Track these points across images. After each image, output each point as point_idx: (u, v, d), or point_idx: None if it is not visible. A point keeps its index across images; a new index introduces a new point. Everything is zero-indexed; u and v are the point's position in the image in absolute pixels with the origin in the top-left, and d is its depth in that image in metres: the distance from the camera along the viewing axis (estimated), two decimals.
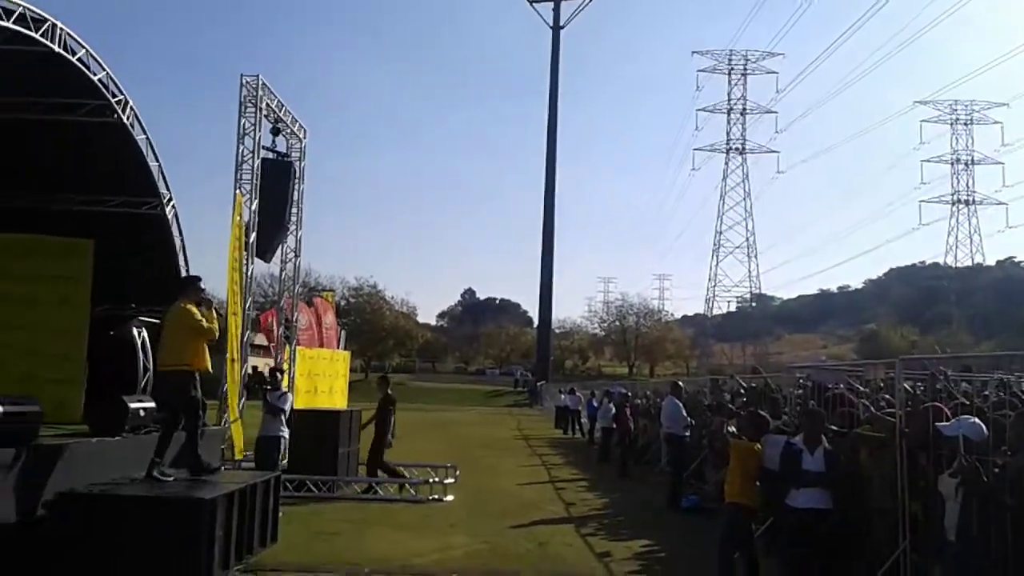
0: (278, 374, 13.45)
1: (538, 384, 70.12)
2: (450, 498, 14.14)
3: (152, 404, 11.23)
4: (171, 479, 9.09)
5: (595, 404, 28.47)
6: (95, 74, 12.24)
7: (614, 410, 22.07)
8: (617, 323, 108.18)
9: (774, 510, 8.33)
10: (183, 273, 15.32)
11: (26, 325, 12.80)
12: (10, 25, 10.24)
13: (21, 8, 10.33)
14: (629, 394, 24.38)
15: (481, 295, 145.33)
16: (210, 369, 9.28)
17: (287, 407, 12.08)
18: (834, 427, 8.36)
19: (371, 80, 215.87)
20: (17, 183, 14.19)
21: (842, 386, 10.46)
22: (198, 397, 9.24)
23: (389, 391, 15.31)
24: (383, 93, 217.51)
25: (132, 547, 7.79)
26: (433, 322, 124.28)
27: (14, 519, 7.82)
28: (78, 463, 8.96)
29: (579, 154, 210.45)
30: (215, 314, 9.49)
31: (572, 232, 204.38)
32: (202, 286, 9.51)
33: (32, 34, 10.64)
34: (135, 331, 12.41)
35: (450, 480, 15.32)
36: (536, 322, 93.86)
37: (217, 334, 9.44)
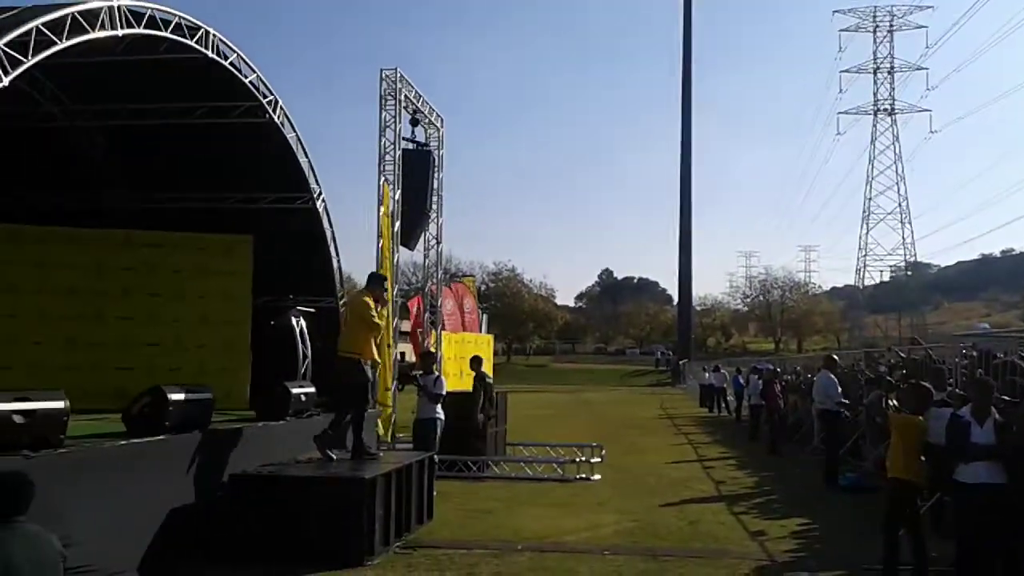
0: (430, 358, 13.82)
1: (680, 363, 69.15)
2: (597, 477, 14.21)
3: (312, 389, 11.80)
4: (335, 458, 9.63)
5: (741, 381, 27.86)
6: (246, 76, 12.88)
7: (762, 386, 21.55)
8: (761, 298, 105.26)
9: (941, 485, 7.95)
10: (335, 263, 15.98)
11: (196, 319, 13.75)
12: (168, 35, 10.91)
13: (177, 18, 10.98)
14: (777, 370, 23.70)
15: (619, 275, 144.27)
16: (378, 359, 9.86)
17: (443, 391, 12.49)
18: (1005, 397, 7.88)
19: (502, 63, 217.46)
20: (182, 185, 15.16)
21: (1012, 355, 9.84)
22: (365, 384, 9.90)
23: (482, 369, 15.25)
24: (514, 76, 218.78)
25: (300, 524, 8.24)
26: (571, 304, 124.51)
27: (193, 499, 8.39)
28: (247, 446, 9.53)
29: (716, 125, 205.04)
30: (383, 313, 10.27)
31: (710, 207, 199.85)
32: (385, 286, 10.49)
33: (188, 42, 11.29)
34: (294, 320, 13.04)
35: (596, 459, 15.38)
36: (676, 300, 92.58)
37: (381, 332, 10.26)
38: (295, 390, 11.20)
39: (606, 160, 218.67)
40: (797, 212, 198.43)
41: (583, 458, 15.16)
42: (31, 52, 8.69)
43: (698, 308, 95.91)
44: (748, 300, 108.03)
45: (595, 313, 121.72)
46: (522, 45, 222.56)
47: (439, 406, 12.37)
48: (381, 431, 14.29)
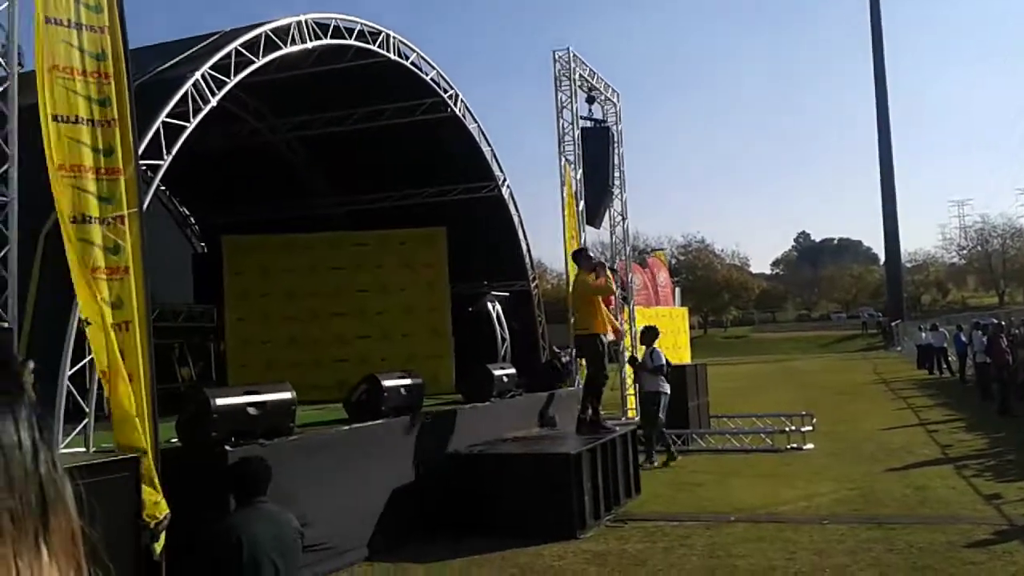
0: (652, 332, 13.82)
1: (892, 324, 65.19)
2: (810, 446, 13.69)
3: (512, 370, 12.11)
4: (608, 426, 10.24)
5: (963, 339, 25.86)
6: (426, 74, 13.36)
7: (987, 343, 19.93)
8: (979, 248, 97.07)
9: None
10: (524, 247, 16.29)
11: (401, 310, 14.48)
12: (353, 42, 11.49)
13: (360, 25, 11.55)
14: (1003, 324, 21.83)
15: (816, 237, 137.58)
16: (607, 329, 10.32)
17: (662, 362, 12.61)
18: None
19: (679, 27, 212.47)
20: (377, 185, 15.97)
21: None
22: (601, 359, 10.42)
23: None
24: (690, 41, 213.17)
25: (512, 500, 8.50)
26: (767, 271, 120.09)
27: (412, 478, 8.84)
28: (458, 427, 9.93)
29: (913, 58, 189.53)
30: (608, 272, 10.73)
31: (913, 154, 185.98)
32: (589, 254, 11.06)
33: (371, 47, 11.85)
34: (489, 305, 13.46)
35: (807, 428, 14.81)
36: (883, 258, 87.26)
37: (614, 290, 10.94)
38: (497, 372, 11.53)
39: (794, 119, 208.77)
40: (1015, 152, 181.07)
41: (793, 427, 14.64)
42: (232, 73, 9.42)
43: (908, 265, 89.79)
44: (964, 252, 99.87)
45: (794, 279, 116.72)
46: (699, 8, 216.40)
47: (662, 379, 12.48)
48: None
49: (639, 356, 13.64)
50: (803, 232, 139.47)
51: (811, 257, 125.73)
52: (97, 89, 5.85)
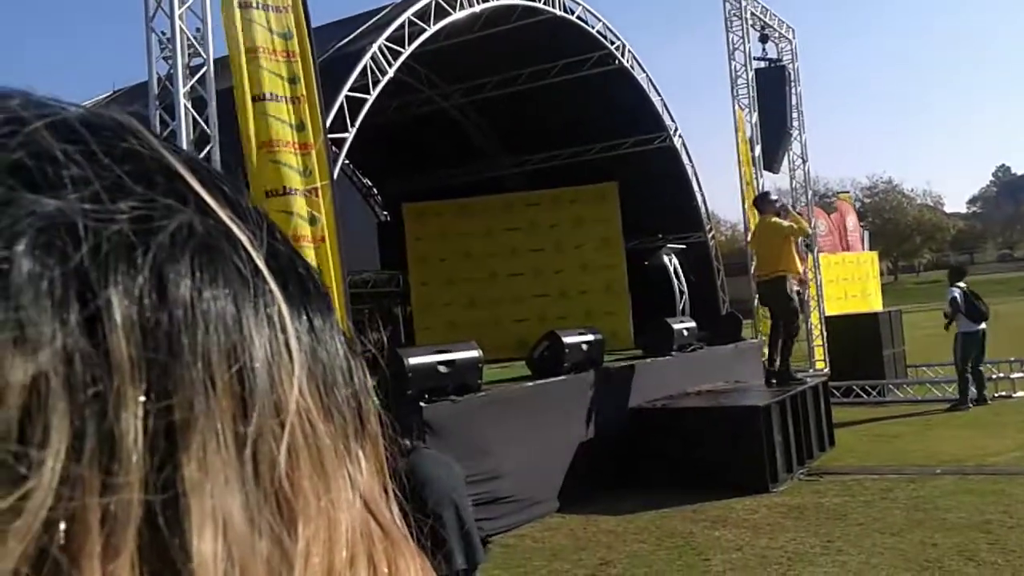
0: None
1: None
2: (1020, 394, 12.73)
3: (692, 324, 11.91)
4: (798, 377, 9.98)
5: None
6: (593, 27, 13.21)
7: None
8: None
9: None
10: (699, 198, 15.92)
11: (576, 268, 14.57)
12: (519, 2, 11.50)
13: None
14: None
15: (1018, 170, 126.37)
16: (799, 271, 9.98)
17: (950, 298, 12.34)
18: None
19: None
20: (549, 144, 16.03)
21: None
22: (794, 302, 10.05)
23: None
24: None
25: (702, 453, 8.41)
26: (963, 210, 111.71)
27: (598, 432, 8.92)
28: (640, 381, 9.89)
29: None
30: (797, 214, 10.62)
31: None
32: (773, 197, 10.66)
33: (537, 4, 11.83)
34: (666, 259, 13.28)
35: (1018, 375, 13.75)
36: None
37: (809, 230, 10.74)
38: (676, 326, 11.37)
39: (987, 42, 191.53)
40: None
41: (1001, 374, 13.64)
42: (406, 43, 9.68)
43: None
44: None
45: (994, 217, 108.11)
46: None
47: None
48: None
49: None
50: (1002, 165, 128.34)
51: (1012, 192, 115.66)
52: (287, 67, 6.16)
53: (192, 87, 6.63)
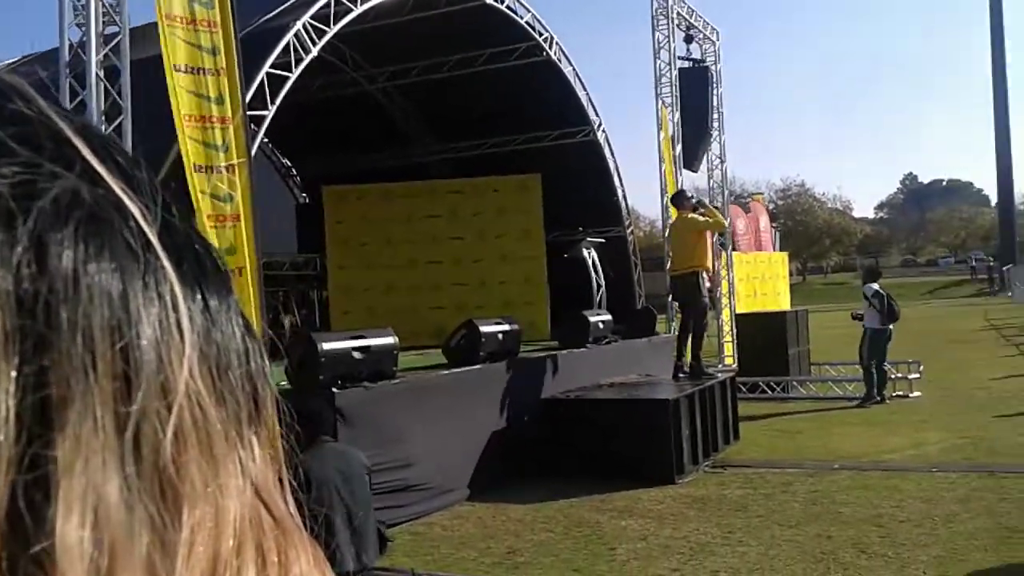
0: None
1: (1004, 269, 62.25)
2: (917, 394, 13.29)
3: (608, 317, 12.08)
4: (709, 372, 10.23)
5: None
6: (521, 17, 13.23)
7: None
8: None
9: None
10: (619, 193, 16.13)
11: (496, 257, 14.59)
12: None
13: None
14: None
15: (924, 178, 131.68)
16: (710, 268, 10.15)
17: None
18: None
19: None
20: (472, 132, 16.00)
21: None
22: (705, 298, 10.25)
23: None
24: None
25: (610, 444, 8.54)
26: (871, 215, 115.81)
27: (511, 422, 8.97)
28: (555, 373, 9.99)
29: None
30: (712, 207, 10.83)
31: None
32: (689, 195, 10.96)
33: None
34: (585, 252, 13.42)
35: (914, 376, 14.36)
36: (994, 200, 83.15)
37: (724, 224, 11.03)
38: (593, 318, 11.51)
39: (902, 54, 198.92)
40: None
41: (899, 375, 14.22)
42: (332, 22, 9.51)
43: (1022, 207, 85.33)
44: None
45: (899, 223, 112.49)
46: None
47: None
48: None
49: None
50: (910, 173, 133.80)
51: (918, 200, 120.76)
52: (207, 37, 6.00)
53: (106, 56, 6.39)
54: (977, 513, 6.71)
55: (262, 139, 10.44)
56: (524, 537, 6.81)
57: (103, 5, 6.43)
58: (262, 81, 8.26)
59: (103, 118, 6.13)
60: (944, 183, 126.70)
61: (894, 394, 13.29)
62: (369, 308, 13.93)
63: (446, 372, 8.69)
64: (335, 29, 9.56)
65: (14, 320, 0.26)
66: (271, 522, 0.34)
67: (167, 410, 0.29)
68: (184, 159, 5.86)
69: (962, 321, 32.67)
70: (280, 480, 0.36)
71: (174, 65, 5.80)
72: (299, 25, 9.01)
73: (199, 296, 0.32)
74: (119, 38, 6.45)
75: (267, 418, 0.35)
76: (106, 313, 0.28)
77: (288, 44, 8.83)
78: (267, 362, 0.37)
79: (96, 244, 0.28)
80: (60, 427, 0.26)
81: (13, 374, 0.26)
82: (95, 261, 0.28)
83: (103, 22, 6.46)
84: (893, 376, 13.91)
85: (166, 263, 0.30)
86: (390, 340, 7.75)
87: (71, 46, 6.49)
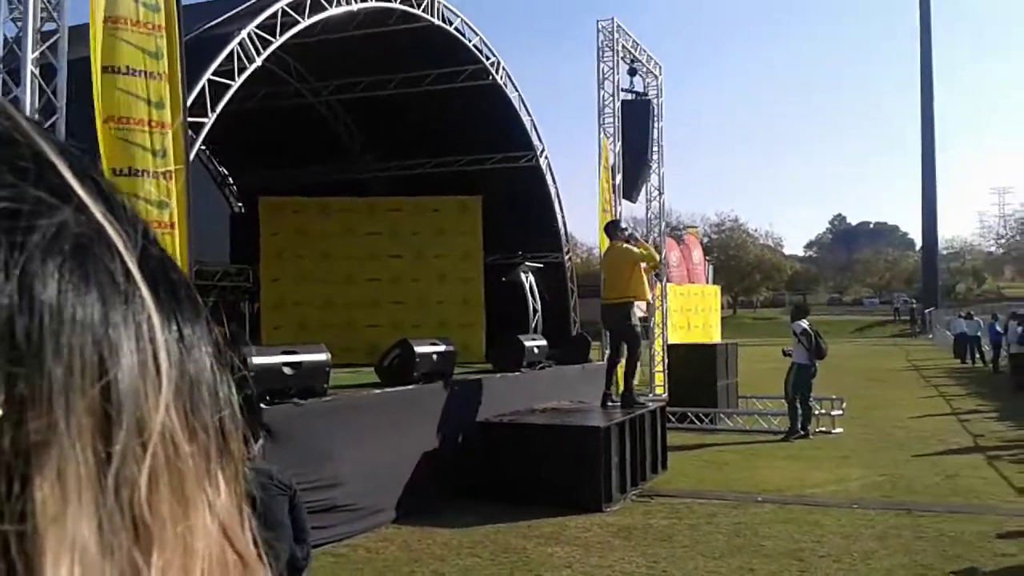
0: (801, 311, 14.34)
1: (926, 311, 64.42)
2: (839, 430, 13.61)
3: (543, 342, 12.12)
4: (640, 401, 10.34)
5: (998, 329, 25.56)
6: (470, 40, 13.29)
7: (1022, 333, 19.66)
8: (1018, 238, 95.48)
9: None
10: (560, 219, 16.24)
11: (435, 277, 14.57)
12: (397, 5, 11.43)
13: None
14: None
15: (852, 220, 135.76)
16: (649, 298, 10.20)
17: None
18: None
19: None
20: (415, 151, 15.96)
21: None
22: (637, 328, 10.26)
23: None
24: (730, 15, 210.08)
25: (540, 469, 8.54)
26: (800, 253, 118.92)
27: (442, 443, 8.91)
28: (488, 396, 9.96)
29: (964, 40, 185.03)
30: (646, 243, 10.98)
31: (957, 138, 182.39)
32: (622, 226, 11.07)
33: (415, 11, 11.79)
34: (523, 276, 13.46)
35: (837, 412, 14.71)
36: (919, 244, 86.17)
37: (658, 259, 10.97)
38: (528, 343, 11.54)
39: (835, 99, 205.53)
40: None
41: (822, 411, 14.55)
42: (278, 33, 9.43)
43: (944, 252, 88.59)
44: (1003, 241, 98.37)
45: (827, 262, 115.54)
46: None
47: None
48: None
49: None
50: (839, 215, 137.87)
51: (846, 240, 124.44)
52: (151, 41, 5.87)
53: (42, 53, 6.21)
54: (894, 550, 6.87)
55: (200, 146, 10.26)
56: (450, 562, 6.74)
57: (41, 2, 6.26)
58: (203, 88, 8.13)
59: (37, 116, 5.95)
60: (871, 225, 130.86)
61: (818, 429, 13.58)
62: (302, 323, 13.75)
63: (378, 391, 8.60)
64: (281, 40, 9.47)
65: None
66: (236, 560, 0.33)
67: (142, 448, 0.28)
68: (103, 161, 5.70)
69: (885, 360, 33.65)
70: (240, 511, 0.35)
71: (110, 66, 5.66)
72: (244, 34, 8.90)
73: (175, 326, 0.31)
74: (57, 36, 6.28)
75: (235, 452, 0.34)
76: (89, 349, 0.27)
77: (232, 52, 8.72)
78: (234, 391, 0.35)
79: (80, 275, 0.27)
80: (40, 469, 0.25)
81: None
82: (79, 293, 0.27)
83: (41, 18, 6.29)
84: (817, 412, 14.23)
85: (145, 293, 0.29)
86: (322, 356, 7.64)
87: (6, 41, 6.30)
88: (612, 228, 10.88)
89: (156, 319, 0.29)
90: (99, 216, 0.29)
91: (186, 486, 0.30)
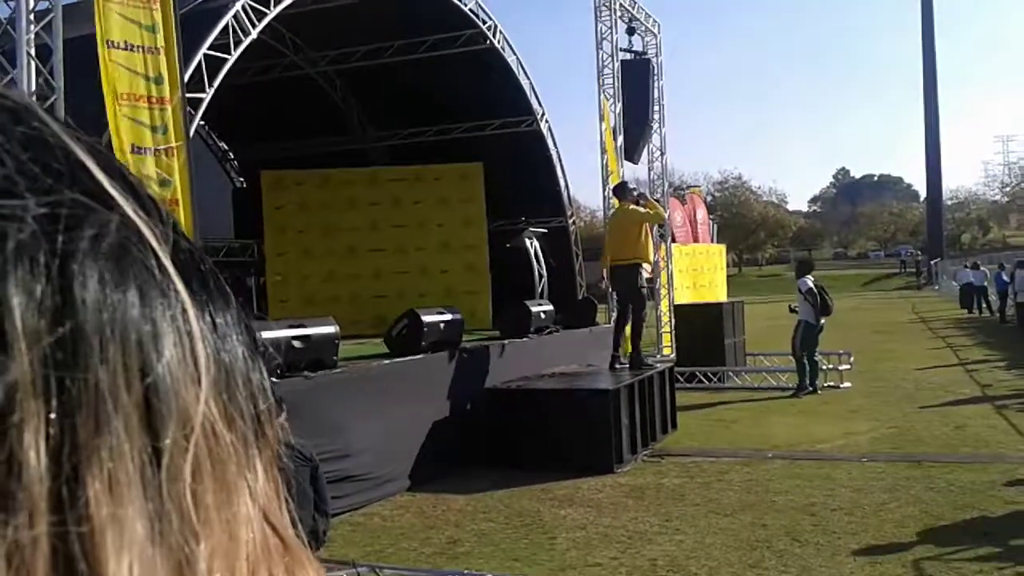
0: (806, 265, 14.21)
1: (931, 263, 64.29)
2: (847, 385, 13.65)
3: (550, 307, 12.14)
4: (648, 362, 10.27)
5: (1005, 278, 25.49)
6: (465, 4, 13.15)
7: None
8: (1022, 185, 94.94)
9: None
10: (562, 183, 16.18)
11: (438, 246, 14.55)
12: None
13: None
14: None
15: (856, 173, 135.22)
16: (651, 260, 10.19)
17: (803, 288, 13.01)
18: None
19: None
20: (415, 119, 15.87)
21: None
22: (644, 289, 10.26)
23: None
24: None
25: (551, 434, 8.60)
26: (804, 208, 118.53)
27: (452, 411, 8.96)
28: (496, 362, 10.00)
29: None
30: (654, 200, 10.93)
31: (958, 87, 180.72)
32: (632, 187, 10.90)
33: None
34: (527, 241, 13.45)
35: (845, 367, 14.74)
36: (923, 195, 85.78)
37: (664, 216, 11.12)
38: (534, 308, 11.55)
39: (837, 52, 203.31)
40: None
41: (830, 366, 14.58)
42: (272, 3, 9.34)
43: (949, 203, 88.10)
44: (1008, 190, 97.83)
45: (832, 216, 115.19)
46: None
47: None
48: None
49: None
50: (842, 168, 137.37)
51: (850, 194, 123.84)
52: (145, 14, 5.81)
53: (37, 34, 6.17)
54: (905, 502, 6.92)
55: (199, 122, 10.22)
56: (465, 527, 6.81)
57: None
58: (200, 63, 8.07)
59: (34, 98, 5.92)
60: (875, 178, 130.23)
61: (826, 384, 13.63)
62: (308, 297, 13.77)
63: (388, 362, 8.63)
64: (276, 11, 9.38)
65: (43, 361, 0.25)
66: (279, 545, 0.33)
67: (185, 440, 0.28)
68: (114, 139, 5.67)
69: (891, 313, 33.66)
70: (278, 494, 0.35)
71: (109, 40, 5.60)
72: (238, 6, 8.82)
73: (208, 317, 0.31)
74: (51, 15, 6.23)
75: (271, 437, 0.34)
76: (133, 347, 0.27)
77: (227, 25, 8.65)
78: (267, 377, 0.36)
79: (120, 274, 0.28)
80: (93, 467, 0.26)
81: (44, 413, 0.25)
82: (120, 292, 0.27)
83: None
84: (825, 367, 14.27)
85: (180, 286, 0.30)
86: (331, 329, 7.67)
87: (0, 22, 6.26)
88: (621, 190, 10.83)
89: (191, 311, 0.30)
90: (132, 214, 0.29)
91: (227, 474, 0.30)
